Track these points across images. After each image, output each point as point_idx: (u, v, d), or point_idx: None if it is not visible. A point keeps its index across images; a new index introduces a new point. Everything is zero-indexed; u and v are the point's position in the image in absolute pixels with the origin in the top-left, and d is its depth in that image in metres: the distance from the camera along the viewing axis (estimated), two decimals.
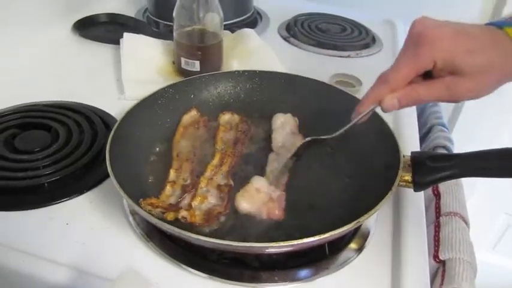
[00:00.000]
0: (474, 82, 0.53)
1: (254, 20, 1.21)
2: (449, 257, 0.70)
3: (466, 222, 0.79)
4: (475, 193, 1.60)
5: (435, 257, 0.71)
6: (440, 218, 0.79)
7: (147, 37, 0.99)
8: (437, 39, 0.53)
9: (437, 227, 0.78)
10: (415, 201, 0.70)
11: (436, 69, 0.54)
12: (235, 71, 0.79)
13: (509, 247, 1.87)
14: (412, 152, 0.61)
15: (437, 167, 0.57)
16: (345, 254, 0.60)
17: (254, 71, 0.77)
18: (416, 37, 0.54)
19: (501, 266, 1.92)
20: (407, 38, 0.56)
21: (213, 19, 0.86)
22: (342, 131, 0.61)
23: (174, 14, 0.86)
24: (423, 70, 0.54)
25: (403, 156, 0.60)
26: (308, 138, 0.65)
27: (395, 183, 0.55)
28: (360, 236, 0.63)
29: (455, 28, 0.54)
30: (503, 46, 0.53)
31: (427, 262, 0.63)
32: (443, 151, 0.96)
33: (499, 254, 1.92)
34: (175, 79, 0.88)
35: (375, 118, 0.66)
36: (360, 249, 0.61)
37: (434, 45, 0.53)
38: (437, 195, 0.83)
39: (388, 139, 0.62)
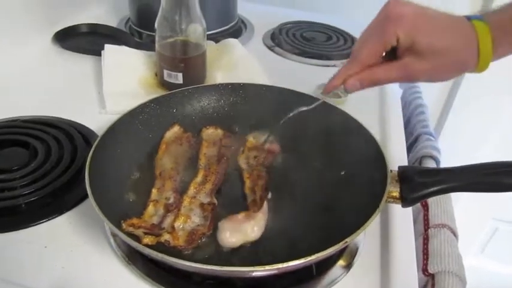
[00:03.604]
0: (429, 63, 0.57)
1: (238, 29, 1.20)
2: (438, 270, 0.69)
3: (455, 234, 0.78)
4: (463, 198, 1.60)
5: (424, 270, 0.71)
6: (429, 230, 0.78)
7: (129, 48, 0.97)
8: (402, 16, 0.56)
9: (426, 239, 0.77)
10: (403, 214, 0.69)
11: (400, 48, 0.57)
12: (219, 84, 0.77)
13: (496, 251, 1.88)
14: (399, 167, 0.59)
15: (425, 182, 0.56)
16: (333, 272, 0.59)
17: (238, 84, 0.76)
18: (384, 14, 0.57)
19: (489, 270, 1.92)
20: (377, 15, 0.59)
21: (196, 30, 0.84)
22: (317, 103, 0.65)
23: (155, 25, 0.84)
24: (389, 45, 0.57)
25: (390, 171, 0.58)
26: (295, 112, 0.66)
27: (383, 200, 0.54)
28: (348, 253, 0.62)
29: (422, 10, 0.57)
30: (464, 34, 0.57)
31: (416, 276, 0.62)
32: (431, 161, 0.96)
33: (487, 257, 1.92)
34: (158, 92, 0.86)
35: (362, 132, 0.65)
36: (348, 266, 0.60)
37: (398, 21, 0.56)
38: (425, 206, 0.82)
39: (375, 154, 0.61)
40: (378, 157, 0.60)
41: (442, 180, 0.56)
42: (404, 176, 0.58)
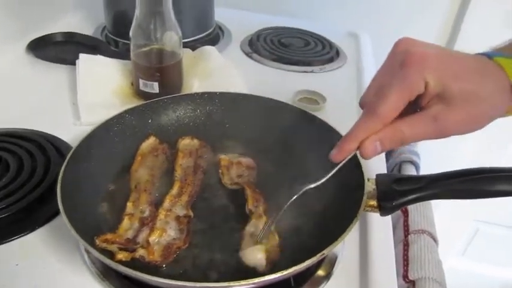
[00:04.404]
0: (464, 112, 0.48)
1: (216, 36, 1.19)
2: (418, 276, 0.69)
3: (435, 239, 0.78)
4: (444, 200, 1.61)
5: (404, 276, 0.71)
6: (409, 236, 0.78)
7: (105, 57, 0.95)
8: (427, 57, 0.47)
9: (406, 246, 0.77)
10: (382, 221, 0.69)
11: (427, 94, 0.48)
12: (195, 93, 0.76)
13: (478, 252, 1.90)
14: (377, 175, 0.59)
15: (403, 191, 0.56)
16: (313, 282, 0.58)
17: (214, 93, 0.75)
18: (403, 56, 0.48)
19: (471, 271, 1.94)
20: (390, 57, 0.51)
21: (171, 38, 0.83)
22: (328, 176, 0.55)
23: (130, 34, 0.83)
24: (415, 94, 0.48)
25: (368, 179, 0.58)
26: (300, 192, 0.57)
27: (360, 210, 0.54)
28: (328, 262, 0.61)
29: (442, 50, 0.50)
30: (494, 75, 0.48)
31: (395, 284, 0.62)
32: (411, 166, 0.96)
33: (469, 259, 1.94)
34: (134, 102, 0.85)
35: (336, 138, 0.65)
36: (328, 276, 0.59)
37: (424, 63, 0.47)
38: (405, 212, 0.82)
39: (352, 162, 0.60)
40: (355, 166, 0.59)
41: (419, 188, 0.55)
42: (382, 184, 0.57)
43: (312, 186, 0.56)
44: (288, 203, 0.56)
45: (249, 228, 0.58)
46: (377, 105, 0.48)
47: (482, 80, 0.48)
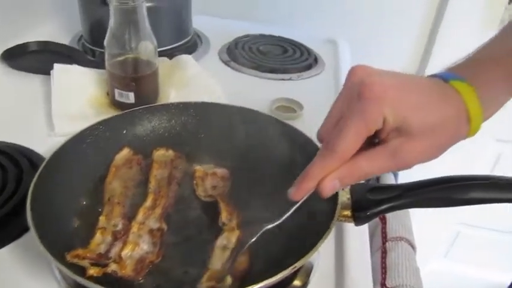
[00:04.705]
0: (425, 144, 0.46)
1: (194, 44, 1.19)
2: (396, 284, 0.70)
3: (413, 246, 0.79)
4: None
5: (382, 284, 0.71)
6: (387, 243, 0.78)
7: (80, 67, 0.94)
8: (384, 91, 0.45)
9: (384, 253, 0.77)
10: (359, 229, 0.68)
11: (386, 129, 0.45)
12: (170, 103, 0.76)
13: (459, 254, 1.92)
14: (351, 185, 0.59)
15: (377, 200, 0.56)
16: None
17: (189, 103, 0.74)
18: (359, 87, 0.45)
19: (453, 273, 1.96)
20: (346, 87, 0.48)
21: (147, 47, 0.83)
22: (288, 214, 0.53)
23: (105, 44, 0.82)
24: (374, 130, 0.45)
25: (342, 189, 0.58)
26: (259, 233, 0.57)
27: (334, 221, 0.53)
28: (303, 272, 0.61)
29: (401, 79, 0.47)
30: (453, 102, 0.47)
31: None
32: (389, 174, 0.96)
33: (451, 261, 1.96)
34: (110, 112, 0.84)
35: (312, 149, 0.64)
36: (304, 286, 0.59)
37: (382, 98, 0.44)
38: (382, 219, 0.83)
39: None
40: None
41: (394, 197, 0.56)
42: (356, 194, 0.57)
43: (269, 226, 0.55)
44: (247, 245, 0.56)
45: (221, 241, 0.58)
46: (335, 143, 0.46)
47: (441, 109, 0.46)
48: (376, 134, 0.46)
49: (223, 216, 0.61)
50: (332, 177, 0.47)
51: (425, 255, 1.97)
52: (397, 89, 0.45)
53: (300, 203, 0.51)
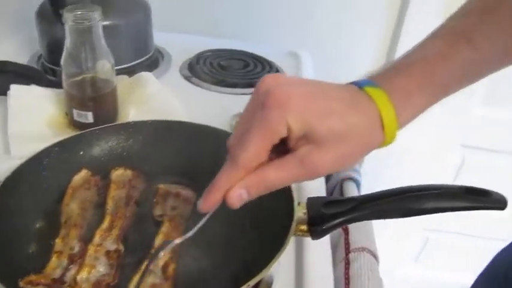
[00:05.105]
0: (335, 152, 0.45)
1: (155, 61, 1.18)
2: None
3: (375, 256, 0.79)
4: None
5: None
6: (350, 254, 0.79)
7: (38, 87, 0.93)
8: (287, 99, 0.43)
9: (347, 264, 0.78)
10: (320, 241, 0.69)
11: (292, 137, 0.44)
12: (127, 122, 0.76)
13: (430, 259, 1.95)
14: (308, 199, 0.59)
15: (332, 214, 0.56)
16: None
17: (146, 121, 0.74)
18: (263, 97, 0.44)
19: (423, 278, 1.99)
20: (253, 98, 0.47)
21: (104, 66, 0.82)
22: (196, 228, 0.52)
23: (61, 64, 0.81)
24: (277, 138, 0.44)
25: (298, 204, 0.58)
26: (168, 247, 0.56)
27: (289, 236, 0.54)
28: (264, 285, 0.61)
29: (310, 87, 0.46)
30: (364, 109, 0.46)
31: None
32: (351, 183, 0.98)
33: (421, 266, 1.99)
34: (69, 132, 0.83)
35: None
36: None
37: (285, 106, 0.43)
38: (345, 230, 0.83)
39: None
40: (285, 191, 0.59)
41: (348, 210, 0.56)
42: (312, 208, 0.58)
43: (178, 241, 0.55)
44: (155, 260, 0.56)
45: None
46: (237, 154, 0.45)
47: (352, 116, 0.45)
48: (285, 142, 0.46)
49: (158, 239, 0.60)
50: (238, 187, 0.46)
51: (396, 261, 2.00)
52: (303, 97, 0.44)
53: (209, 215, 0.50)
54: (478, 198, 0.54)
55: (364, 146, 0.47)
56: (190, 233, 0.53)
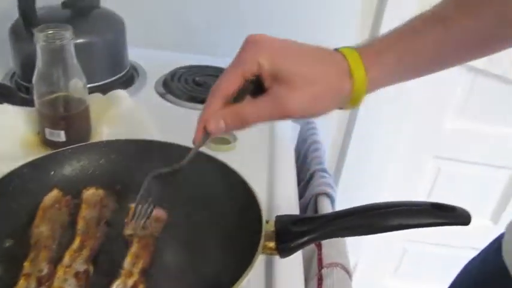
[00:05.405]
0: (302, 92, 0.51)
1: (131, 77, 1.18)
2: None
3: (348, 271, 0.80)
4: None
5: None
6: (323, 270, 0.80)
7: (9, 106, 0.92)
8: (262, 41, 0.52)
9: (320, 280, 0.79)
10: (291, 257, 0.70)
11: (265, 78, 0.52)
12: (99, 141, 0.75)
13: (407, 271, 1.97)
14: (276, 217, 0.60)
15: (300, 232, 0.57)
16: None
17: (118, 140, 0.74)
18: (245, 43, 0.53)
19: None
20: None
21: (76, 85, 0.82)
22: (188, 159, 0.59)
23: (33, 82, 0.81)
24: (249, 73, 0.52)
25: (267, 222, 0.59)
26: (151, 174, 0.61)
27: (257, 254, 0.54)
28: None
29: (287, 40, 0.54)
30: (335, 60, 0.53)
31: None
32: (326, 198, 0.98)
33: (401, 277, 2.01)
34: (41, 151, 0.83)
35: (238, 182, 0.65)
36: None
37: (259, 46, 0.51)
38: (318, 245, 0.84)
39: (251, 205, 0.61)
40: (254, 209, 0.60)
41: (316, 228, 0.57)
42: (280, 226, 0.58)
43: (164, 171, 0.60)
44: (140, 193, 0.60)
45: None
46: (214, 85, 0.54)
47: (322, 62, 0.52)
48: (263, 88, 0.52)
49: (127, 260, 0.60)
50: (216, 115, 0.53)
51: (375, 273, 2.01)
52: (278, 42, 0.53)
53: (199, 147, 0.58)
54: (444, 214, 0.55)
55: (332, 90, 0.53)
56: (180, 164, 0.59)
